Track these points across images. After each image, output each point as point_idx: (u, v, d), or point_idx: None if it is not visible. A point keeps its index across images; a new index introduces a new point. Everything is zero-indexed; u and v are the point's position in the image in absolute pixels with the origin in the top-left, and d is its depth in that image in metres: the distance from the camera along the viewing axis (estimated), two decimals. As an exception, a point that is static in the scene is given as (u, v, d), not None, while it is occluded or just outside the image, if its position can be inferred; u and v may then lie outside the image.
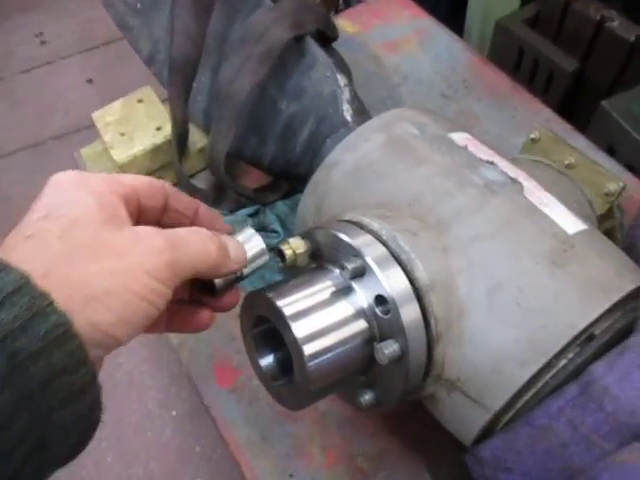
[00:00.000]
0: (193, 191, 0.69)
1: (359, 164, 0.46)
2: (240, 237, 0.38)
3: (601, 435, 0.36)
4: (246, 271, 0.38)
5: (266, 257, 0.39)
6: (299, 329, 0.36)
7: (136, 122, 0.72)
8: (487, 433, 0.40)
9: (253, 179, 0.73)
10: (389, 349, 0.37)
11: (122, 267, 0.28)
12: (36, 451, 0.24)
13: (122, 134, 0.71)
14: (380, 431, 0.57)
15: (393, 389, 0.39)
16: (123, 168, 0.70)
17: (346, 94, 0.59)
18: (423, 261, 0.39)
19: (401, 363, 0.38)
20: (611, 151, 0.81)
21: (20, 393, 0.24)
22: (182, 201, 0.35)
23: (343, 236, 0.39)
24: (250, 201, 0.68)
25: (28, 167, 1.78)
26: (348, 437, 0.57)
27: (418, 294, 0.38)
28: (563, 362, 0.37)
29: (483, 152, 0.46)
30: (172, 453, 1.28)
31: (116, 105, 0.75)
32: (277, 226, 0.65)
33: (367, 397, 0.41)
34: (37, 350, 0.24)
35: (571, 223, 0.41)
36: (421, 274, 0.38)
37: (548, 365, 0.37)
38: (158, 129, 0.71)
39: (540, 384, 0.37)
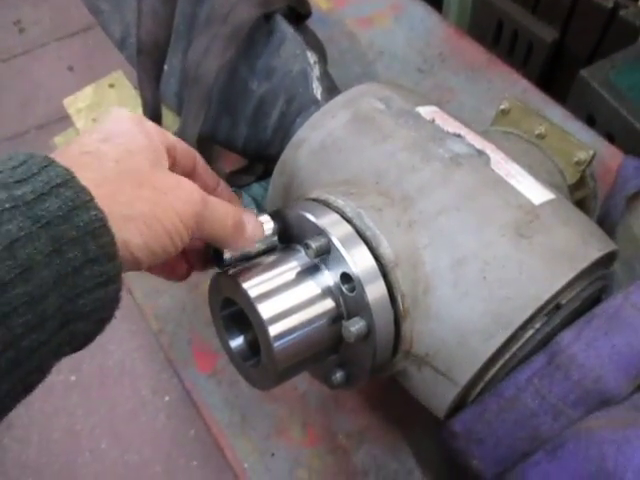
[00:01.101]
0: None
1: (325, 142, 0.45)
2: (260, 218, 0.40)
3: (568, 403, 0.36)
4: (254, 253, 0.40)
5: (275, 239, 0.41)
6: (264, 310, 0.36)
7: (108, 107, 0.71)
8: (459, 406, 0.41)
9: (229, 162, 0.72)
10: (355, 326, 0.37)
11: (161, 201, 0.31)
12: (61, 326, 0.27)
13: (94, 120, 0.70)
14: (361, 408, 0.57)
15: (362, 366, 0.39)
16: (96, 155, 0.69)
17: (316, 72, 0.58)
18: (388, 237, 0.38)
19: (368, 340, 0.38)
20: (591, 120, 0.80)
21: (57, 273, 0.26)
22: (207, 172, 0.41)
23: (308, 215, 0.39)
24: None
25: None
26: (328, 415, 0.57)
27: (384, 270, 0.38)
28: (530, 333, 0.37)
29: (450, 125, 0.45)
30: (166, 438, 1.29)
31: (88, 90, 0.74)
32: (253, 208, 0.64)
33: (338, 375, 0.41)
34: (75, 237, 0.26)
35: (538, 193, 0.40)
36: (386, 250, 0.38)
37: (514, 337, 0.37)
38: (130, 114, 0.70)
39: (507, 356, 0.37)
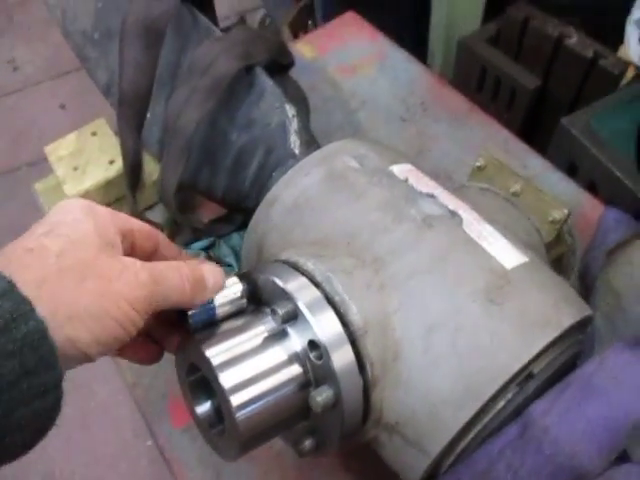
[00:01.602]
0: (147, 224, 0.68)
1: (298, 200, 0.45)
2: (226, 281, 0.39)
3: (541, 478, 0.35)
4: (220, 313, 0.38)
5: (244, 302, 0.39)
6: (226, 379, 0.35)
7: (89, 155, 0.71)
8: (432, 476, 0.39)
9: (209, 211, 0.72)
10: (322, 396, 0.36)
11: (107, 291, 0.30)
12: None
13: (75, 168, 0.70)
14: (338, 468, 0.56)
15: (331, 435, 0.38)
16: (75, 203, 0.68)
17: (294, 125, 0.58)
18: (357, 302, 0.38)
19: (336, 409, 0.36)
20: (573, 169, 0.80)
21: None
22: (170, 248, 0.39)
23: (275, 279, 0.38)
24: (205, 234, 0.67)
25: (2, 194, 1.76)
26: (305, 475, 0.55)
27: (352, 337, 0.37)
28: (501, 404, 0.36)
29: (424, 184, 0.45)
30: (148, 485, 1.25)
31: (70, 138, 0.74)
32: (231, 259, 0.64)
33: (307, 443, 0.40)
34: (13, 350, 0.26)
35: (510, 256, 0.40)
36: (354, 317, 0.37)
37: (485, 408, 0.36)
38: (111, 162, 0.70)
39: (479, 427, 0.36)
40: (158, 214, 0.73)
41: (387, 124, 0.78)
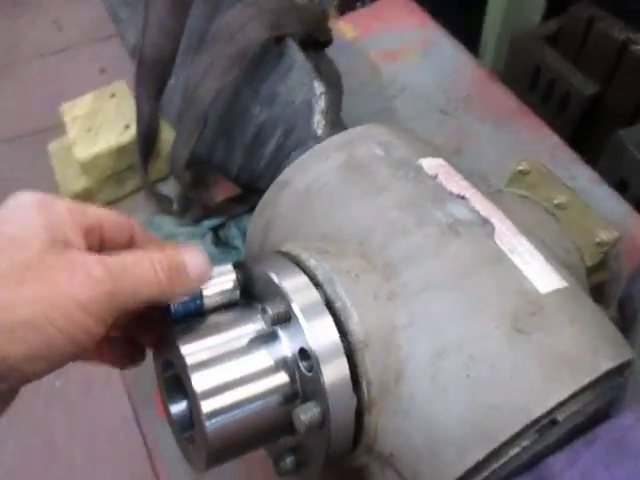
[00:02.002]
0: (156, 198, 0.64)
1: (311, 187, 0.40)
2: (217, 269, 0.34)
3: None
4: (209, 305, 0.34)
5: (236, 294, 0.35)
6: (200, 381, 0.31)
7: (104, 118, 0.67)
8: (426, 518, 0.34)
9: (224, 190, 0.67)
10: (307, 414, 0.31)
11: (51, 295, 0.25)
12: None
13: (88, 130, 0.67)
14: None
15: (315, 456, 0.33)
16: (85, 167, 0.65)
17: (321, 104, 0.53)
18: (360, 310, 0.32)
19: (323, 430, 0.32)
20: (623, 185, 0.73)
21: None
22: (150, 239, 0.34)
23: (271, 274, 0.33)
24: (216, 213, 0.62)
25: (33, 153, 1.75)
26: None
27: (350, 350, 0.32)
28: (515, 451, 0.31)
29: (455, 184, 0.39)
30: (143, 461, 1.23)
31: (87, 98, 0.70)
32: (239, 242, 0.59)
33: (288, 460, 0.35)
34: None
35: (546, 279, 0.34)
36: (355, 326, 0.32)
37: (496, 453, 0.30)
38: (126, 127, 0.66)
39: (485, 474, 0.31)
40: (170, 188, 0.69)
41: (425, 116, 0.72)
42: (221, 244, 0.59)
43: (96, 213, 0.31)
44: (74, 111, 0.68)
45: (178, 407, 0.35)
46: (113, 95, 0.70)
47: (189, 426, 0.35)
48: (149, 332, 0.35)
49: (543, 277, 0.34)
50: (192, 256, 0.31)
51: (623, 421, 0.31)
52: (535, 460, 0.31)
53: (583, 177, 0.65)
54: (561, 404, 0.30)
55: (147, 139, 0.63)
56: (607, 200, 0.63)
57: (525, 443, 0.30)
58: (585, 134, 0.92)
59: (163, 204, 0.63)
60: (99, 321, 0.27)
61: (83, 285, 0.26)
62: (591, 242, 0.43)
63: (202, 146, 0.61)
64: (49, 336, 0.25)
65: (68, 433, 1.29)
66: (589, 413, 0.32)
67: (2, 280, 0.25)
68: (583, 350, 0.31)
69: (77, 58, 1.92)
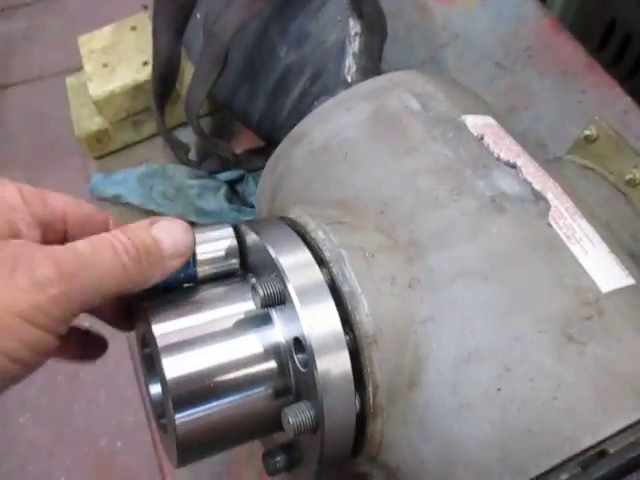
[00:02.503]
0: (172, 144, 0.59)
1: (329, 142, 0.34)
2: (211, 233, 0.29)
3: None
4: (202, 273, 0.29)
5: (234, 263, 0.30)
6: (171, 367, 0.26)
7: (122, 53, 0.62)
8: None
9: (246, 142, 0.61)
10: (298, 417, 0.26)
11: None
12: None
13: (105, 65, 0.61)
14: (331, 471, 0.47)
15: (308, 460, 0.28)
16: (99, 105, 0.60)
17: (355, 46, 0.46)
18: (372, 298, 0.27)
19: (316, 435, 0.26)
20: None
21: None
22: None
23: (268, 246, 0.27)
24: (234, 165, 0.57)
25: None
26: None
27: (355, 345, 0.26)
28: (551, 485, 0.25)
29: (505, 148, 0.32)
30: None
31: (107, 30, 0.65)
32: (256, 200, 0.53)
33: (278, 459, 0.30)
34: None
35: (609, 274, 0.27)
36: (364, 318, 0.26)
37: (526, 486, 0.24)
38: (145, 64, 0.60)
39: (511, 508, 0.25)
40: (191, 135, 0.63)
41: (478, 69, 0.64)
42: (236, 200, 0.54)
43: (60, 204, 0.26)
44: (92, 44, 0.63)
45: (157, 388, 0.31)
46: (134, 28, 0.64)
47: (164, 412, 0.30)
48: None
49: (605, 272, 0.27)
50: (166, 230, 0.26)
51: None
52: (574, 496, 0.25)
53: (658, 149, 0.56)
54: (616, 435, 0.24)
55: (164, 77, 0.57)
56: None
57: (564, 477, 0.24)
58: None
59: (178, 152, 0.58)
60: (51, 331, 0.22)
61: (26, 291, 0.21)
62: (668, 229, 0.35)
63: (223, 90, 0.55)
64: None
65: (93, 371, 1.30)
66: (649, 446, 0.26)
67: None
68: (651, 371, 0.25)
69: (120, -7, 1.86)
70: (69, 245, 0.23)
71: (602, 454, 0.25)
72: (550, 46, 0.64)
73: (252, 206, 0.53)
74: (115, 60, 0.61)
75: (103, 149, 0.64)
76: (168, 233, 0.26)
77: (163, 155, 0.64)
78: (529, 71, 0.63)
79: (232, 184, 0.56)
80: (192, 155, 0.60)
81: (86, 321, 0.32)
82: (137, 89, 0.60)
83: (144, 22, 0.64)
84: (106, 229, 0.27)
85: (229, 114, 0.62)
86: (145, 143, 0.65)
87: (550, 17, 0.67)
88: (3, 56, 1.83)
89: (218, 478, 0.48)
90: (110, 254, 0.24)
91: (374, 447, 0.28)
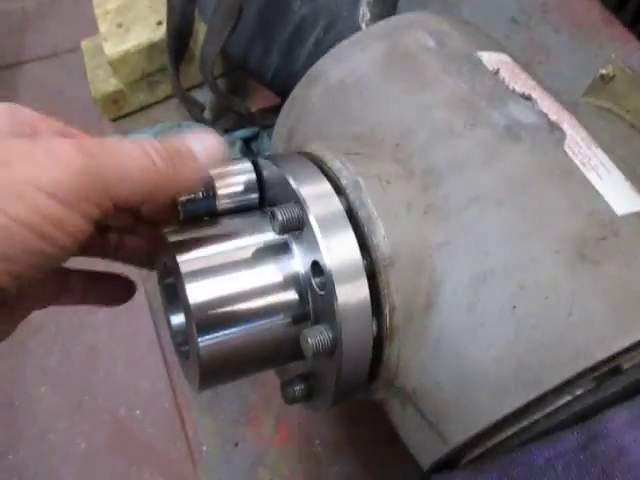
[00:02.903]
0: (187, 102, 0.59)
1: (346, 80, 0.34)
2: (230, 168, 0.30)
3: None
4: (222, 207, 0.29)
5: (254, 197, 0.30)
6: (194, 293, 0.26)
7: (137, 13, 0.62)
8: (449, 463, 0.30)
9: (261, 101, 0.62)
10: (315, 339, 0.26)
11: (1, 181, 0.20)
12: None
13: (119, 25, 0.62)
14: (346, 416, 0.48)
15: (324, 387, 0.29)
16: (114, 65, 0.60)
17: (369, -6, 0.45)
18: (388, 222, 0.27)
19: (334, 357, 0.27)
20: None
21: None
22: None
23: (289, 177, 0.28)
24: (249, 122, 0.57)
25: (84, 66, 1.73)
26: (308, 416, 0.48)
27: (372, 268, 0.27)
28: (565, 399, 0.25)
29: (520, 81, 0.32)
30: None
31: (121, -9, 0.65)
32: (271, 155, 0.54)
33: (297, 389, 0.31)
34: None
35: (624, 198, 0.28)
36: (380, 241, 0.27)
37: (541, 400, 0.25)
38: (159, 24, 0.61)
39: (525, 423, 0.26)
40: (206, 94, 0.64)
41: (493, 24, 0.63)
42: (251, 156, 0.54)
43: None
44: (106, 5, 0.63)
45: (178, 318, 0.32)
46: (147, -12, 0.64)
47: (186, 340, 0.31)
48: (148, 233, 0.31)
49: (621, 196, 0.28)
50: (196, 135, 0.26)
51: None
52: (585, 415, 0.26)
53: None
54: (629, 349, 0.24)
55: (179, 35, 0.58)
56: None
57: (579, 392, 0.25)
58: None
59: (194, 110, 0.58)
60: (76, 210, 0.22)
61: (47, 164, 0.21)
62: (685, 164, 0.35)
63: (237, 46, 0.55)
64: (3, 227, 0.20)
65: (110, 341, 1.33)
66: (662, 364, 0.26)
67: None
68: (665, 288, 0.25)
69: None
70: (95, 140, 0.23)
71: (616, 370, 0.25)
72: (565, 1, 0.64)
73: (267, 161, 0.54)
74: (129, 20, 0.61)
75: (119, 110, 0.64)
76: (201, 141, 0.26)
77: (178, 116, 0.64)
78: (544, 27, 0.63)
79: (247, 142, 0.57)
80: (207, 114, 0.60)
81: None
82: (152, 48, 0.60)
83: (157, -17, 0.64)
84: None
85: (244, 74, 0.63)
86: (160, 105, 0.65)
87: (567, -29, 0.66)
88: (17, 34, 1.84)
89: (237, 424, 0.49)
90: (139, 151, 0.23)
91: (391, 371, 0.28)
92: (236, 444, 0.48)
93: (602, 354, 0.24)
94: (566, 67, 0.59)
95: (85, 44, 0.67)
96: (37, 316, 0.29)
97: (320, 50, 0.47)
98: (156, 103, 0.65)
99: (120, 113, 0.65)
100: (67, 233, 0.22)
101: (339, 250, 0.26)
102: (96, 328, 1.51)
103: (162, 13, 0.61)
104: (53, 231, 0.21)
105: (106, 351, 1.53)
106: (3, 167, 0.21)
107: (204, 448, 0.49)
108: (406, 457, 0.33)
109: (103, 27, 0.62)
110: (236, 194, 0.30)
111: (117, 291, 0.32)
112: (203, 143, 0.26)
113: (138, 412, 1.17)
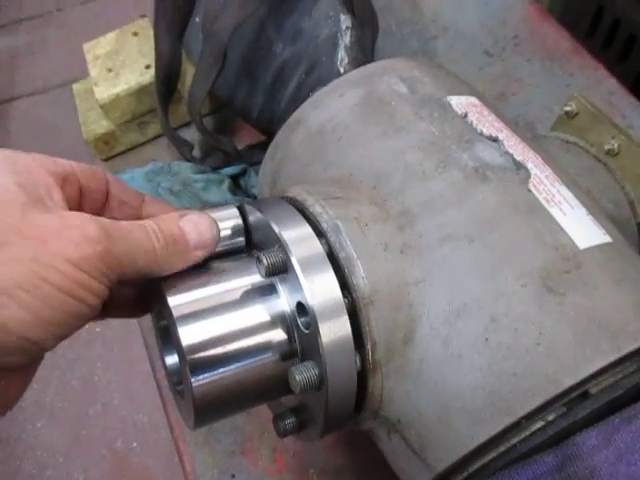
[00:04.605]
0: (176, 142, 0.61)
1: (325, 126, 0.36)
2: (217, 214, 0.32)
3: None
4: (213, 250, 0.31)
5: (240, 241, 0.32)
6: (187, 334, 0.28)
7: (126, 57, 0.64)
8: (436, 489, 0.31)
9: (247, 138, 0.64)
10: (303, 375, 0.28)
11: (39, 256, 0.24)
12: None
13: (109, 70, 0.64)
14: (341, 443, 0.49)
15: (314, 419, 0.31)
16: (105, 108, 0.63)
17: (346, 39, 0.48)
18: (367, 263, 0.29)
19: (321, 392, 0.29)
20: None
21: None
22: (125, 190, 0.32)
23: (271, 221, 0.30)
24: (236, 159, 0.59)
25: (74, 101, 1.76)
26: (303, 444, 0.49)
27: (353, 306, 0.29)
28: (538, 425, 0.27)
29: (488, 124, 0.34)
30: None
31: (110, 37, 0.68)
32: (257, 192, 0.56)
33: (288, 422, 0.32)
34: None
35: (586, 232, 0.30)
36: (360, 281, 0.29)
37: (516, 426, 0.27)
38: (148, 67, 0.63)
39: (502, 448, 0.27)
40: (194, 133, 0.66)
41: (468, 57, 0.66)
42: (239, 192, 0.56)
43: (66, 162, 0.29)
44: (96, 50, 0.66)
45: (172, 358, 0.33)
46: (136, 34, 0.66)
47: (181, 380, 0.33)
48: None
49: (583, 230, 0.30)
50: (192, 223, 0.29)
51: (669, 398, 0.27)
52: (559, 438, 0.28)
53: (642, 126, 0.58)
54: (595, 375, 0.26)
55: (167, 78, 0.60)
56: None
57: (551, 417, 0.27)
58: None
59: (183, 149, 0.60)
60: (100, 279, 0.25)
61: (76, 243, 0.24)
62: (646, 194, 0.37)
63: (224, 88, 0.57)
64: (46, 294, 0.23)
65: (106, 374, 1.33)
66: (627, 387, 0.28)
67: None
68: (625, 315, 0.27)
69: (120, 4, 1.89)
70: (111, 220, 0.26)
71: (585, 395, 0.27)
72: (536, 33, 0.67)
73: (254, 197, 0.56)
74: (119, 65, 0.64)
75: (110, 150, 0.66)
76: (194, 226, 0.29)
77: (168, 154, 0.66)
78: (517, 58, 0.66)
79: (235, 178, 0.59)
80: (196, 153, 0.62)
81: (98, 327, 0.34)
82: (141, 91, 0.62)
83: (145, 28, 0.67)
84: (107, 184, 0.31)
85: (230, 112, 0.65)
86: (150, 143, 0.67)
87: (536, 5, 0.70)
88: (7, 70, 1.87)
89: (234, 456, 0.50)
90: (144, 234, 0.27)
91: (376, 402, 0.30)
92: (233, 475, 0.49)
93: (570, 381, 0.25)
94: (539, 97, 0.62)
95: (76, 87, 0.69)
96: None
97: (302, 92, 0.49)
98: (146, 142, 0.67)
99: (111, 153, 0.67)
100: (95, 295, 0.25)
101: (321, 291, 0.28)
102: (91, 361, 1.51)
103: (150, 57, 0.63)
104: (86, 295, 0.25)
105: (102, 384, 1.52)
106: (39, 243, 0.24)
107: (202, 480, 0.50)
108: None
109: (94, 72, 0.64)
110: (224, 238, 0.32)
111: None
112: (197, 230, 0.29)
113: (135, 444, 1.17)
